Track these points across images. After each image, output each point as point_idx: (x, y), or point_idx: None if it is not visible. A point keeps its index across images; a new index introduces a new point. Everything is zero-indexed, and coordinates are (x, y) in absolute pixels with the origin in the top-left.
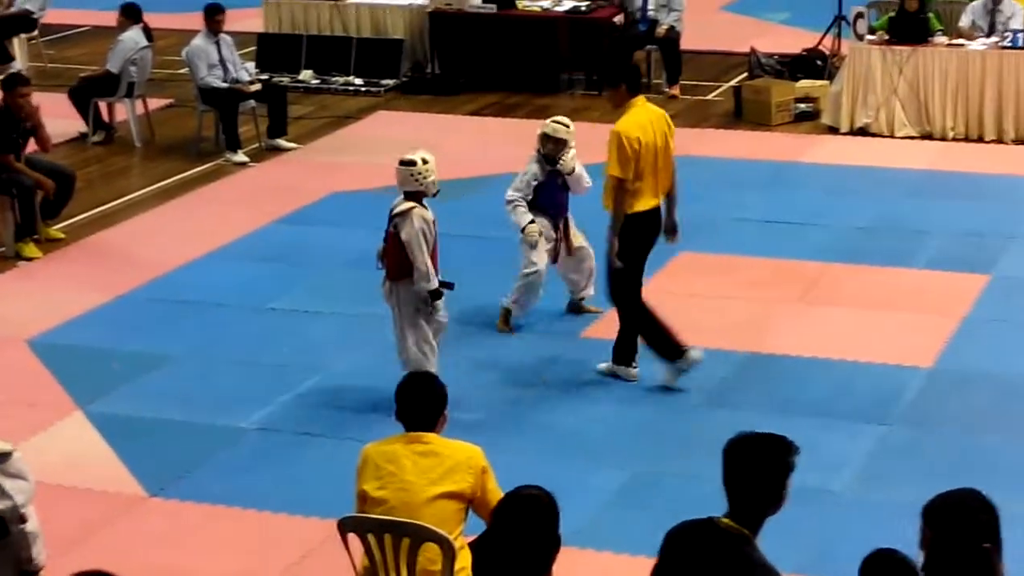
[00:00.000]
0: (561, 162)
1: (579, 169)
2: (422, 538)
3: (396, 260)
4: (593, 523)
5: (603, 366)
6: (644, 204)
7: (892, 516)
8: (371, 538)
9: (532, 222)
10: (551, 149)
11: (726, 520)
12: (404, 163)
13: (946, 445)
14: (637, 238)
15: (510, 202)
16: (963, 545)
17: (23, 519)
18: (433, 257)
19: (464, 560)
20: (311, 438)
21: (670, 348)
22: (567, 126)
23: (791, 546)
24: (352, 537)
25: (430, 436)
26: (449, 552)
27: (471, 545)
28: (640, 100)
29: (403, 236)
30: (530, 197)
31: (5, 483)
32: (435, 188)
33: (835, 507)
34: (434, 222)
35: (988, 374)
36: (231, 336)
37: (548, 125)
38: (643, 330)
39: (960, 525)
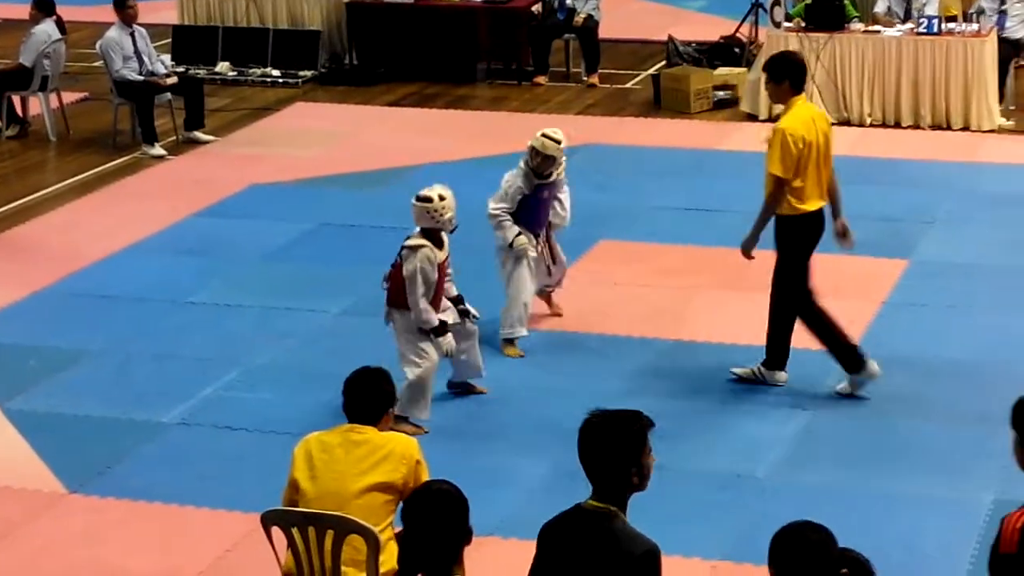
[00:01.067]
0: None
1: (565, 194)
2: (346, 530)
3: (396, 288)
4: (518, 513)
5: (740, 370)
6: (810, 204)
7: (815, 500)
8: (295, 531)
9: (520, 234)
10: (539, 164)
11: (591, 502)
12: (420, 199)
13: (867, 429)
14: (802, 239)
15: (494, 216)
16: None
17: None
18: (438, 293)
19: (392, 551)
20: (232, 432)
21: (850, 357)
22: (557, 142)
23: (716, 532)
24: (276, 530)
25: (367, 428)
26: (374, 544)
27: (398, 536)
28: (803, 98)
29: (404, 272)
30: (514, 210)
31: None
32: (452, 225)
33: (759, 492)
34: (446, 260)
35: (907, 358)
36: (150, 330)
37: (537, 139)
38: (786, 325)
39: (809, 563)
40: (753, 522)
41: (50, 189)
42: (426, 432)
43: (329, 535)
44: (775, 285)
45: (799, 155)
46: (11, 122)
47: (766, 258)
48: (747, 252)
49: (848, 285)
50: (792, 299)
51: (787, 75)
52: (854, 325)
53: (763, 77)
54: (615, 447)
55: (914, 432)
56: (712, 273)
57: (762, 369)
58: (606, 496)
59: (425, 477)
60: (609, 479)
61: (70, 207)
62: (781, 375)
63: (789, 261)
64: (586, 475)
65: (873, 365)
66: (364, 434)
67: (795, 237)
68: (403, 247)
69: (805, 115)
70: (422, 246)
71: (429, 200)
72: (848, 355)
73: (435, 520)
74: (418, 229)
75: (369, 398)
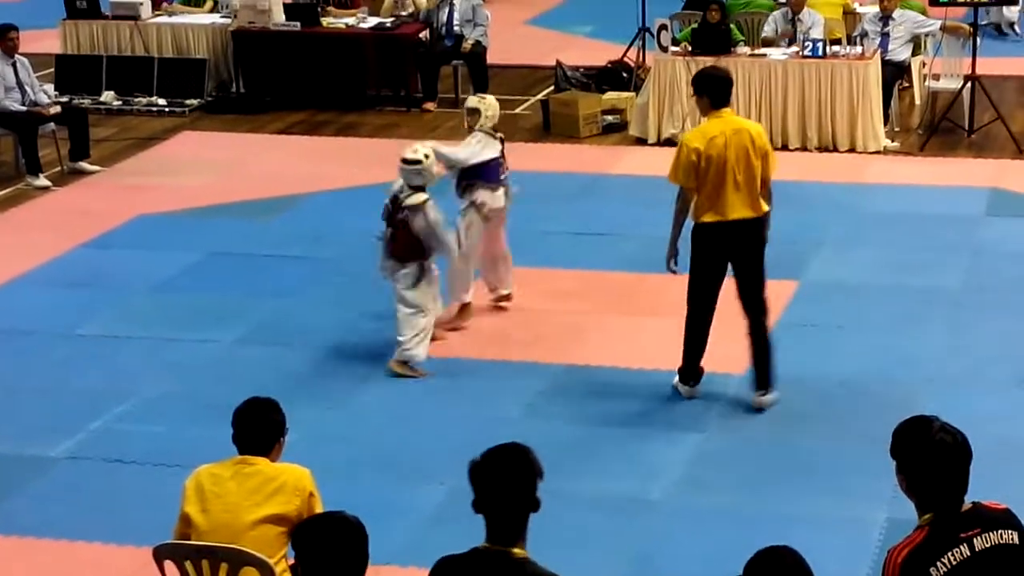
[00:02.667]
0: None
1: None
2: (241, 563)
3: (406, 244)
4: (414, 540)
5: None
6: (709, 216)
7: (711, 522)
8: (188, 565)
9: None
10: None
11: (492, 545)
12: (409, 162)
13: (762, 449)
14: (701, 249)
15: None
16: None
17: None
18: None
19: None
20: (123, 465)
21: (690, 369)
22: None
23: (611, 556)
24: (169, 564)
25: (259, 459)
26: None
27: (292, 568)
28: (723, 112)
29: (428, 222)
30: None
31: None
32: (436, 179)
33: (654, 516)
34: None
35: (800, 378)
36: (37, 364)
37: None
38: (687, 335)
39: None
40: (648, 545)
41: None
42: (426, 375)
43: (223, 568)
44: (688, 295)
45: (694, 166)
46: None
47: (665, 282)
48: (668, 264)
49: (739, 307)
50: (698, 304)
51: (706, 90)
52: (746, 346)
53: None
54: (519, 483)
55: (807, 452)
56: (604, 297)
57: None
58: (506, 535)
59: (319, 509)
60: (514, 517)
61: None
62: (685, 388)
63: (691, 269)
64: (485, 515)
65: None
66: (256, 465)
67: (694, 247)
68: (403, 206)
69: (712, 129)
70: (426, 200)
71: (418, 162)
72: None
73: (332, 550)
74: (402, 184)
75: (259, 429)
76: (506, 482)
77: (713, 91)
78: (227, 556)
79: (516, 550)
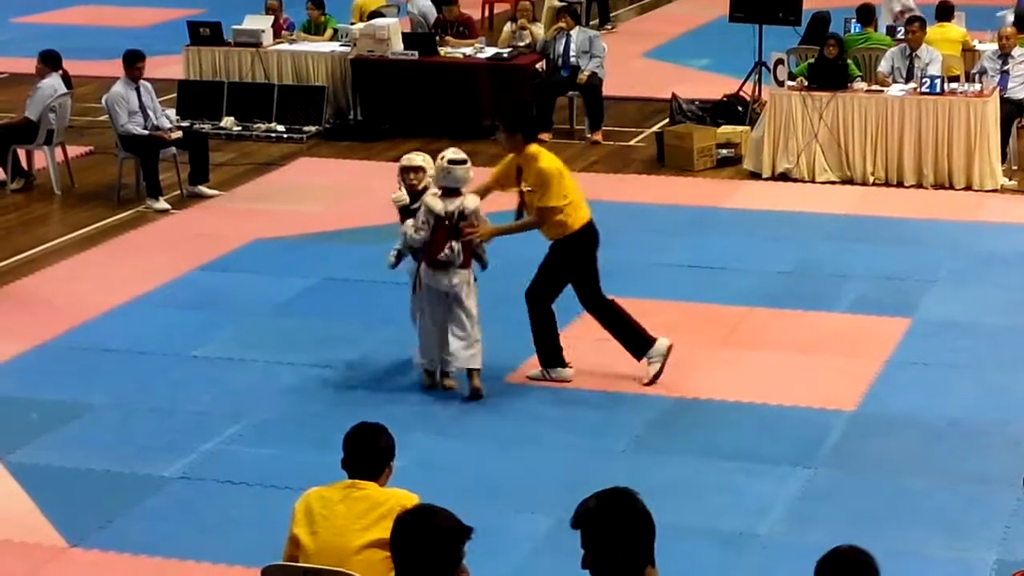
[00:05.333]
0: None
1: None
2: None
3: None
4: (519, 570)
5: (533, 372)
6: (587, 216)
7: (817, 558)
8: None
9: None
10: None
11: None
12: (453, 162)
13: (870, 488)
14: (592, 246)
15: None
16: None
17: None
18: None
19: None
20: (233, 486)
21: (645, 339)
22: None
23: None
24: None
25: (368, 484)
26: None
27: None
28: (533, 145)
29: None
30: None
31: None
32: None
33: (760, 551)
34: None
35: (910, 417)
36: (153, 384)
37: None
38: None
39: None
40: None
41: (54, 242)
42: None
43: None
44: (535, 298)
45: (566, 184)
46: (16, 175)
47: (774, 316)
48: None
49: (851, 343)
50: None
51: (519, 127)
52: (857, 383)
53: (499, 127)
54: (634, 533)
55: (916, 491)
56: (715, 330)
57: (548, 371)
58: None
59: None
60: (636, 563)
61: (74, 260)
62: (567, 371)
63: (587, 271)
64: (593, 567)
65: (664, 342)
66: (365, 490)
67: (585, 248)
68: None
69: (548, 153)
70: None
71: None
72: (646, 339)
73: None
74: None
75: (369, 453)
76: (624, 531)
77: (526, 127)
78: None
79: None
